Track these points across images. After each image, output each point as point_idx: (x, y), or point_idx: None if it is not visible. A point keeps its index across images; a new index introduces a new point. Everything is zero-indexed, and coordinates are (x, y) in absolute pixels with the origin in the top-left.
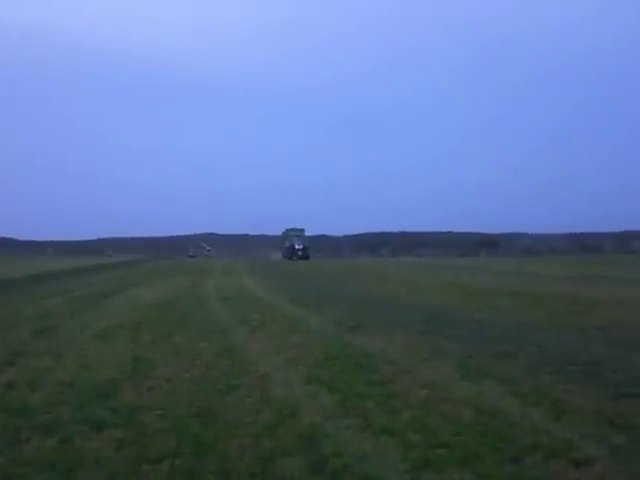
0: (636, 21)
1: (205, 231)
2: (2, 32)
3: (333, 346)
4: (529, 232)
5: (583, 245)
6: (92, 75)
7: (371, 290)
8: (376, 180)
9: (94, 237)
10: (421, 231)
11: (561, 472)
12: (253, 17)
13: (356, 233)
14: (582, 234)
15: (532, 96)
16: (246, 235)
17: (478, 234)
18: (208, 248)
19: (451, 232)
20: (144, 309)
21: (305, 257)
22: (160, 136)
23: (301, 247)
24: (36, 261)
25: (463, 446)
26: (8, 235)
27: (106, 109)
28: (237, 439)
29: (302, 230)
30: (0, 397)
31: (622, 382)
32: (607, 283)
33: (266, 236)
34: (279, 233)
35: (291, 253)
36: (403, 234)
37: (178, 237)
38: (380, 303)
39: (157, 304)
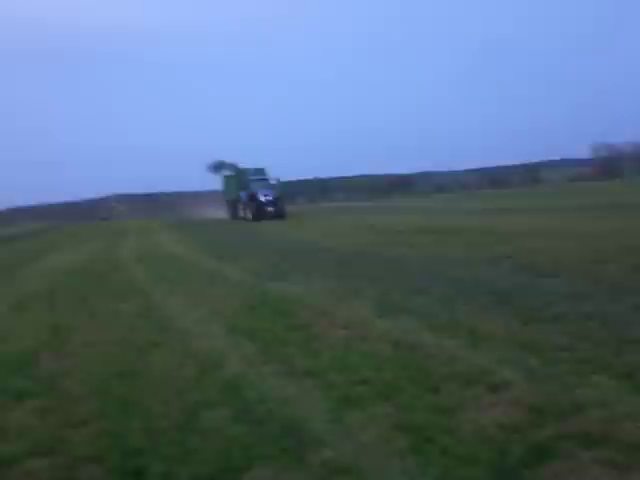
0: None
1: (116, 192)
2: None
3: (252, 296)
4: (440, 170)
5: (493, 179)
6: None
7: (286, 237)
8: (283, 125)
9: (2, 207)
10: (335, 176)
11: (479, 397)
12: None
13: None
14: (492, 168)
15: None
16: (161, 193)
17: (391, 175)
18: (121, 209)
19: (364, 175)
20: (59, 276)
21: (279, 215)
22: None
23: (270, 198)
24: None
25: (383, 381)
26: None
27: None
28: (161, 395)
29: (263, 170)
30: None
31: (533, 307)
32: (516, 214)
33: (181, 193)
34: (185, 189)
35: (256, 210)
36: (317, 180)
37: (87, 201)
38: (297, 249)
39: (72, 270)
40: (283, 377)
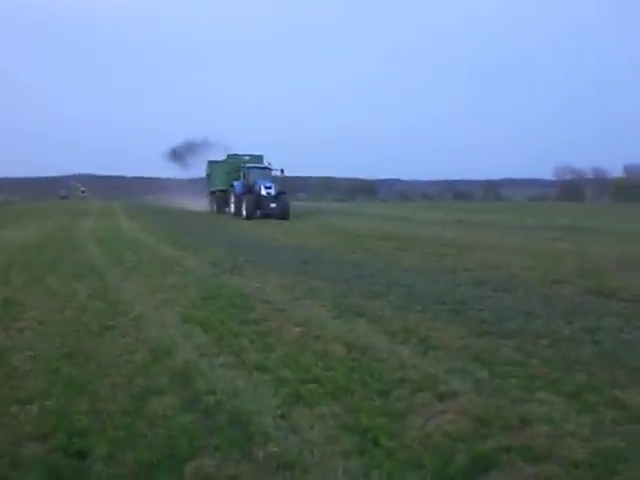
0: None
1: (80, 172)
2: None
3: (209, 287)
4: (402, 179)
5: (455, 192)
6: None
7: (249, 232)
8: (257, 122)
9: None
10: (301, 175)
11: (426, 404)
12: None
13: None
14: (453, 181)
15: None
16: (123, 177)
17: (355, 179)
18: (82, 189)
19: (328, 177)
20: (15, 251)
21: (282, 215)
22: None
23: (273, 193)
24: None
25: (334, 381)
26: None
27: None
28: (110, 379)
29: (261, 158)
30: None
31: (486, 320)
32: (476, 228)
33: (142, 178)
34: (141, 174)
35: (255, 205)
36: (284, 178)
37: (51, 178)
38: (257, 245)
39: (29, 246)
40: (234, 369)
